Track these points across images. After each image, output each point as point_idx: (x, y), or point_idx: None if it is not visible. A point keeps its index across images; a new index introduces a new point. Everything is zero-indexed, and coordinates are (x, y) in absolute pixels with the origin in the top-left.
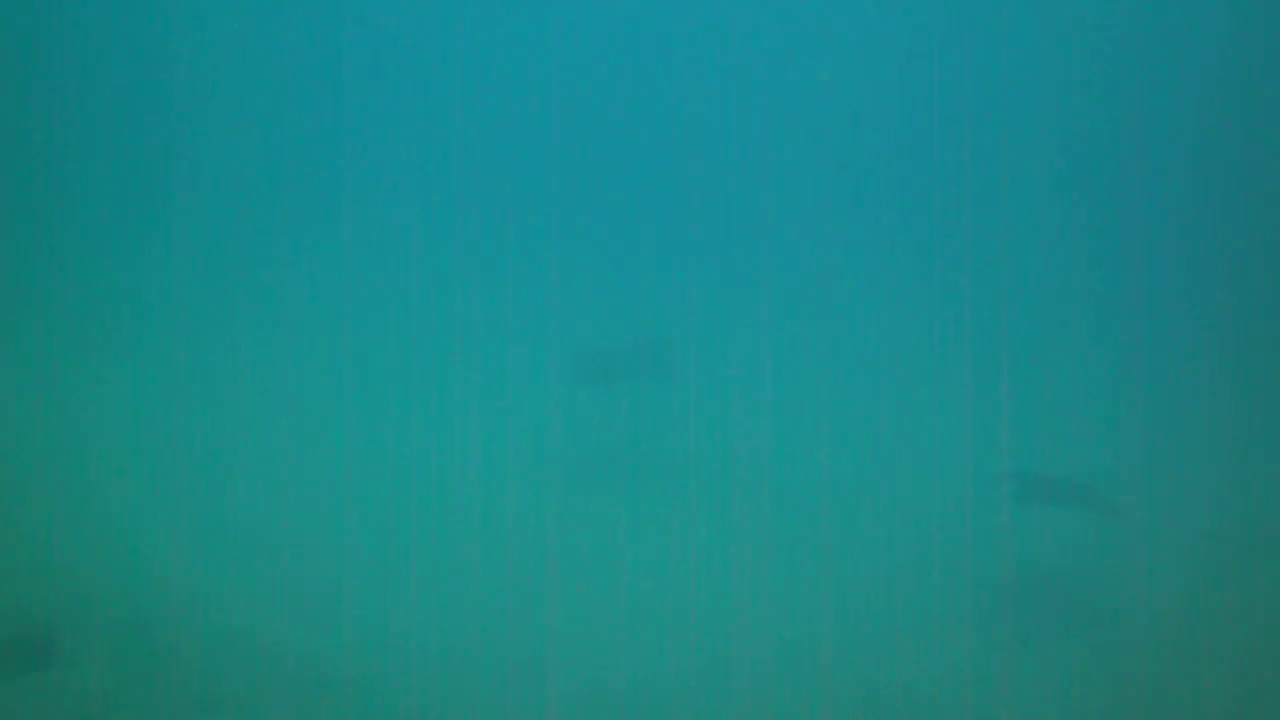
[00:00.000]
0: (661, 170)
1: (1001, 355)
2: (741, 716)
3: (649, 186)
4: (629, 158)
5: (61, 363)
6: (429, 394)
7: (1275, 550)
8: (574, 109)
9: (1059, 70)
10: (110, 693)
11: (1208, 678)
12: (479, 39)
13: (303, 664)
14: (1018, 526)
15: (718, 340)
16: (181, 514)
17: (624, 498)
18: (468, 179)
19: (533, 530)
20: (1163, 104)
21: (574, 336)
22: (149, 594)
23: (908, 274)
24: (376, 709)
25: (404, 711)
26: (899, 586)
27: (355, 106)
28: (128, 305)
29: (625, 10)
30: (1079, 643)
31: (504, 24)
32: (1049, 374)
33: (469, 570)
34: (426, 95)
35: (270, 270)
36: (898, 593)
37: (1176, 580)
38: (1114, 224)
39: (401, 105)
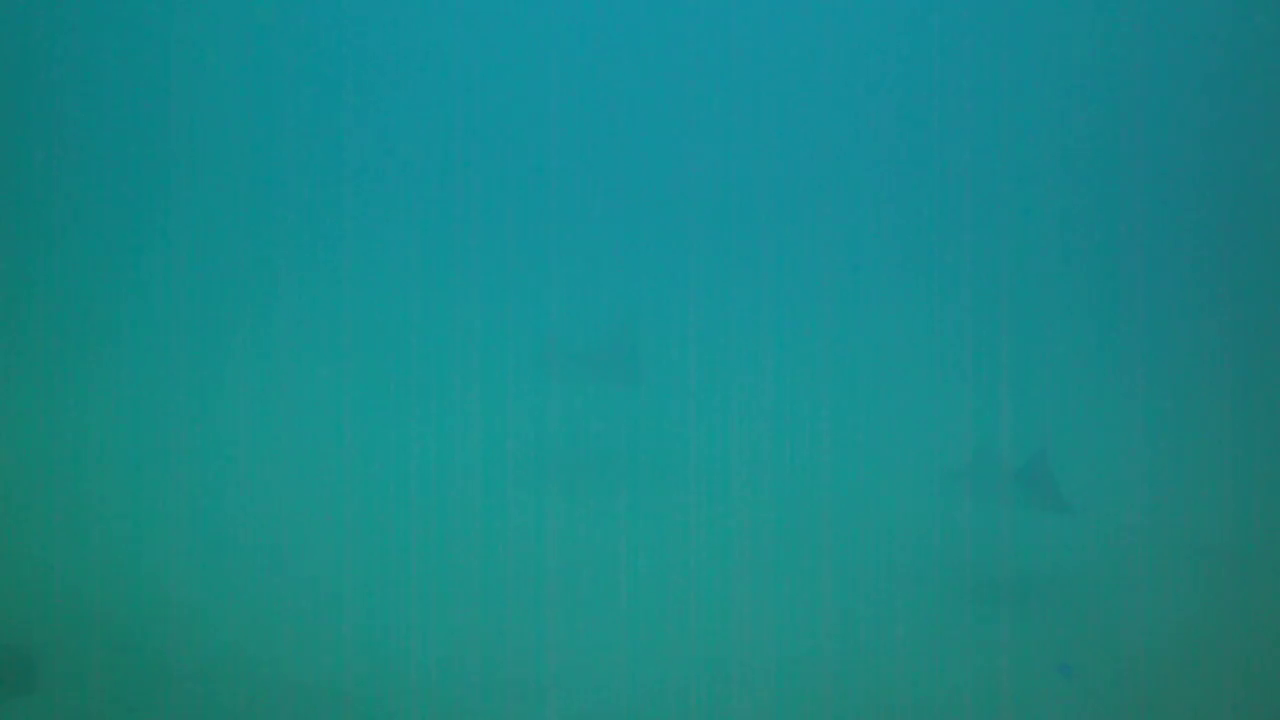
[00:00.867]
0: (640, 171)
1: (989, 351)
2: (726, 710)
3: (628, 187)
4: (607, 160)
5: (52, 378)
6: (410, 396)
7: (1264, 549)
8: (552, 115)
9: (1059, 71)
10: (90, 716)
11: (1200, 684)
12: (461, 36)
13: (293, 684)
14: (999, 526)
15: (692, 340)
16: (170, 531)
17: (603, 496)
18: (451, 183)
19: (514, 528)
20: (1163, 104)
21: (550, 336)
22: (135, 613)
23: (891, 274)
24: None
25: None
26: (877, 584)
27: (342, 110)
28: (115, 312)
29: (604, 11)
30: (1068, 643)
31: (486, 23)
32: (1022, 368)
33: (454, 570)
34: (412, 99)
35: (259, 275)
36: (876, 591)
37: (1166, 581)
38: (1113, 224)
39: (385, 108)
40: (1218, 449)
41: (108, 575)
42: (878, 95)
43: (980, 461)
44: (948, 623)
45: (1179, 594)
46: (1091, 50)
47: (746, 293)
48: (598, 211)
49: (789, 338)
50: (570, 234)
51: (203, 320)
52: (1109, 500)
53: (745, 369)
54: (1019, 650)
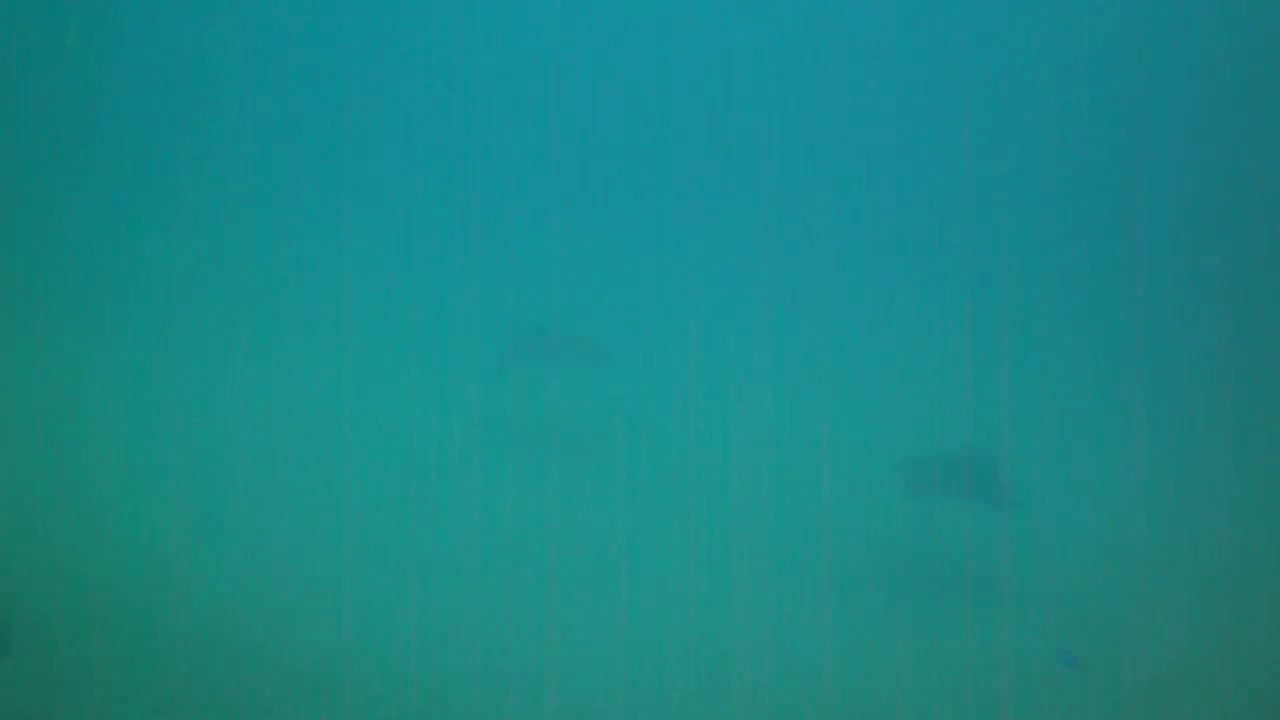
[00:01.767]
0: (614, 157)
1: (957, 338)
2: (670, 681)
3: (601, 173)
4: (581, 144)
5: (46, 357)
6: (380, 379)
7: (1237, 557)
8: (528, 98)
9: (1058, 70)
10: (62, 684)
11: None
12: (435, 18)
13: (262, 664)
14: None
15: (654, 325)
16: (151, 505)
17: (573, 475)
18: (427, 168)
19: (488, 506)
20: (1163, 104)
21: (521, 318)
22: (106, 586)
23: (862, 263)
24: (335, 703)
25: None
26: (839, 572)
27: (322, 100)
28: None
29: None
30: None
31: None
32: (985, 359)
33: (412, 544)
34: (386, 87)
35: (241, 260)
36: (838, 579)
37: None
38: (1111, 223)
39: (360, 94)
40: (1202, 454)
41: (77, 550)
42: (854, 84)
43: (925, 456)
44: (907, 613)
45: (1150, 601)
46: (1091, 49)
47: (718, 278)
48: (570, 196)
49: (758, 322)
50: (543, 219)
51: (185, 301)
52: (1003, 492)
53: (713, 352)
54: (1068, 671)
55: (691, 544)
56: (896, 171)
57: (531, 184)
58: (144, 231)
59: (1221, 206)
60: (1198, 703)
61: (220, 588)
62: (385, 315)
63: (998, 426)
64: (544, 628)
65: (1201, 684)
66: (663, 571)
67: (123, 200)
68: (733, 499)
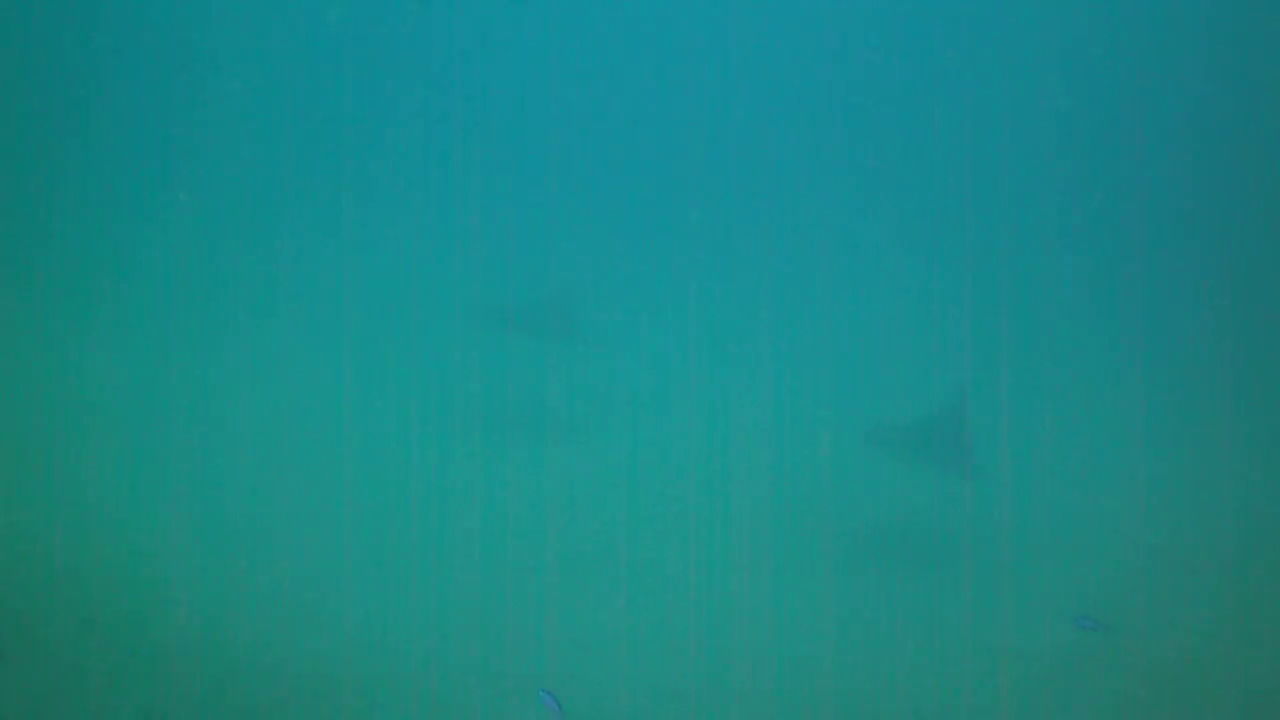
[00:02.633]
0: (586, 136)
1: (923, 309)
2: (671, 678)
3: (571, 152)
4: (554, 122)
5: (42, 358)
6: (371, 378)
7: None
8: (505, 79)
9: (1058, 70)
10: (54, 690)
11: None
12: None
13: (258, 669)
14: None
15: (622, 298)
16: (134, 509)
17: (542, 450)
18: (418, 163)
19: (458, 483)
20: (1163, 104)
21: (487, 293)
22: (100, 593)
23: (857, 250)
24: (334, 709)
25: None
26: (807, 543)
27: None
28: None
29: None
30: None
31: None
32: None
33: (410, 546)
34: (361, 70)
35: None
36: (824, 560)
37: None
38: (1109, 225)
39: (354, 99)
40: (1198, 435)
41: (70, 556)
42: (850, 77)
43: (893, 422)
44: (913, 593)
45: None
46: (1091, 49)
47: (714, 266)
48: (545, 174)
49: (725, 297)
50: (517, 196)
51: (178, 300)
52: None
53: (682, 328)
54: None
55: (687, 532)
56: (893, 159)
57: (528, 175)
58: (141, 233)
59: (1221, 205)
60: (1184, 677)
61: (215, 591)
62: (381, 314)
63: (994, 409)
64: (543, 626)
65: (1188, 661)
66: (658, 562)
67: (121, 202)
68: (726, 484)
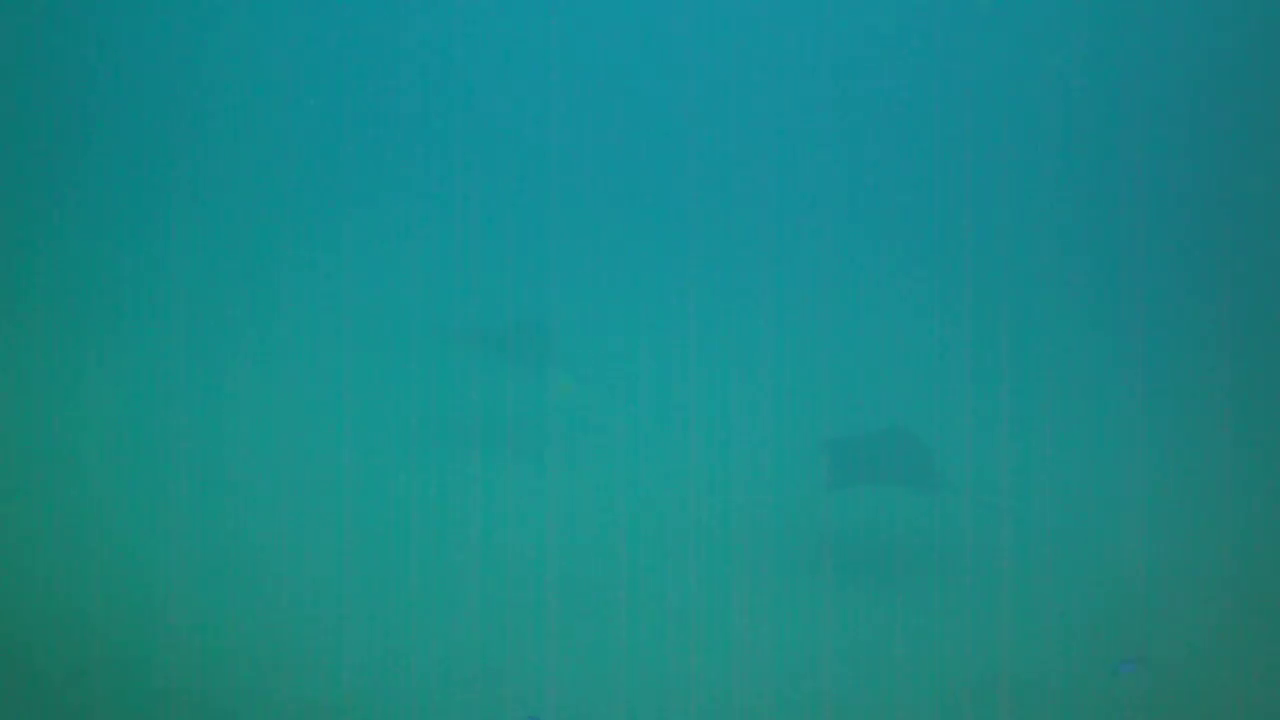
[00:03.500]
0: (561, 151)
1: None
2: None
3: (539, 170)
4: (532, 139)
5: (39, 373)
6: (318, 373)
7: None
8: (479, 94)
9: (1058, 71)
10: None
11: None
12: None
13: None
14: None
15: (598, 319)
16: (119, 556)
17: (507, 471)
18: (419, 174)
19: (428, 505)
20: (1162, 105)
21: (463, 315)
22: (84, 641)
23: (848, 260)
24: None
25: None
26: (785, 563)
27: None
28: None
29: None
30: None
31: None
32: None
33: (419, 590)
34: (381, 100)
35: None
36: (785, 569)
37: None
38: (1107, 226)
39: (355, 105)
40: (1196, 446)
41: (53, 604)
42: (846, 78)
43: (850, 436)
44: (899, 607)
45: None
46: (1092, 49)
47: (640, 277)
48: (520, 194)
49: (702, 318)
50: (536, 221)
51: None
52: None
53: (656, 351)
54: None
55: (678, 553)
56: (885, 163)
57: (527, 186)
58: (140, 238)
59: (1223, 205)
60: (1186, 697)
61: (208, 632)
62: (369, 333)
63: (992, 420)
64: (535, 651)
65: (1190, 680)
66: (649, 583)
67: (117, 207)
68: (717, 502)
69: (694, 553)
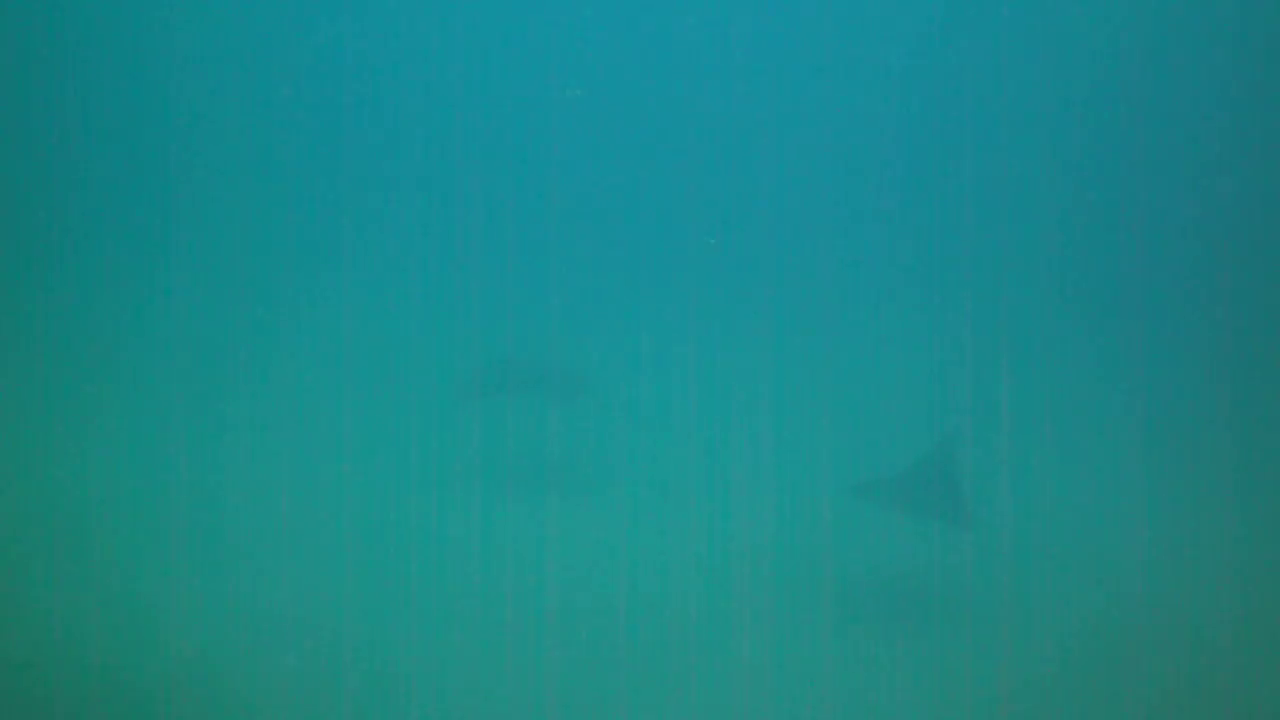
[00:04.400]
0: (581, 182)
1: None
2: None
3: (572, 199)
4: (553, 170)
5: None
6: (353, 409)
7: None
8: (504, 124)
9: (1058, 71)
10: None
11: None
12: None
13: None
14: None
15: (636, 354)
16: (119, 583)
17: (546, 509)
18: (405, 191)
19: (463, 540)
20: (1163, 104)
21: (498, 350)
22: (80, 661)
23: (856, 276)
24: None
25: None
26: (828, 594)
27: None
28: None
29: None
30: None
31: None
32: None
33: (395, 581)
34: (379, 106)
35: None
36: (825, 602)
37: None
38: (1107, 228)
39: (357, 111)
40: (1200, 470)
41: (37, 646)
42: (846, 83)
43: (883, 477)
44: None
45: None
46: (1092, 50)
47: (680, 310)
48: (540, 227)
49: (727, 349)
50: (516, 247)
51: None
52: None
53: (686, 381)
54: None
55: (687, 593)
56: (889, 174)
57: (547, 213)
58: (146, 251)
59: (1224, 209)
60: None
61: (207, 647)
62: (380, 370)
63: (997, 443)
64: (540, 685)
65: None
66: (657, 620)
67: (117, 206)
68: (728, 542)
69: (716, 595)
